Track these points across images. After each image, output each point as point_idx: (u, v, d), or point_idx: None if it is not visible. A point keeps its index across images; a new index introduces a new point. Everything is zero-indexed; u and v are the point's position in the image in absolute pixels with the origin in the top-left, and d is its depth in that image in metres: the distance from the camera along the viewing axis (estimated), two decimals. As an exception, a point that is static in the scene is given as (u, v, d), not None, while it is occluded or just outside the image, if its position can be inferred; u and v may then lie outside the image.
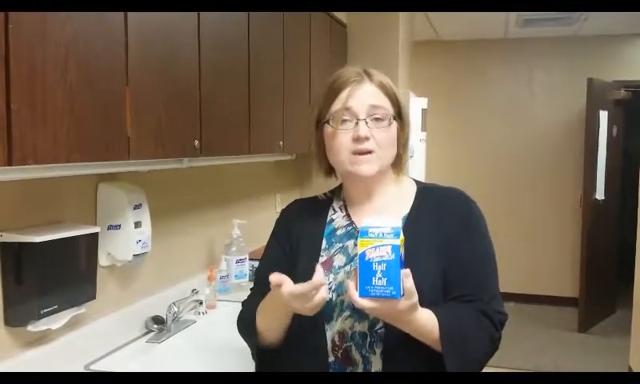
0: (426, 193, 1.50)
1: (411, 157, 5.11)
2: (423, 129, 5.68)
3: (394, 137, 1.44)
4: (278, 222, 1.62)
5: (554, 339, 5.55)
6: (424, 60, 6.24)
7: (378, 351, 1.37)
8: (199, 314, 2.51)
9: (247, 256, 2.99)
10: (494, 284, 1.44)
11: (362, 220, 1.30)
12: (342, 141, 1.40)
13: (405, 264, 1.28)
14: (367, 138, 1.39)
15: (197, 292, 2.55)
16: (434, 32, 6.14)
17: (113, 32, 1.60)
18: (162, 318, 2.33)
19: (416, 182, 1.55)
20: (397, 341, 1.33)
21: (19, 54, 1.27)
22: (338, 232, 1.49)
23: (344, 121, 1.40)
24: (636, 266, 4.43)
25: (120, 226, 2.05)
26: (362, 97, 1.40)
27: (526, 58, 6.54)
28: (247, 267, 2.97)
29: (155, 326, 2.30)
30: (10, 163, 1.27)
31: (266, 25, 2.66)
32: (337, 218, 1.52)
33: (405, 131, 1.48)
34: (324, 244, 1.48)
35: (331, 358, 1.40)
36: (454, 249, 1.40)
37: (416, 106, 5.33)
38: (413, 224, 1.42)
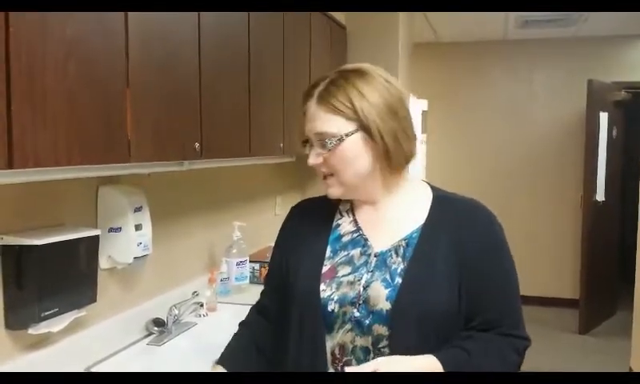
0: (443, 202, 1.41)
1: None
2: (423, 131, 5.67)
3: (347, 157, 1.33)
4: (286, 220, 1.59)
5: (555, 341, 5.54)
6: (424, 62, 6.24)
7: None
8: (200, 316, 2.51)
9: (248, 258, 2.99)
10: (517, 308, 1.38)
11: (369, 227, 1.33)
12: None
13: (419, 278, 1.28)
14: (317, 164, 1.37)
15: (197, 294, 2.55)
16: (433, 34, 6.14)
17: (113, 34, 1.60)
18: (163, 320, 2.33)
19: (431, 187, 1.46)
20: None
21: (19, 56, 1.27)
22: (344, 239, 1.43)
23: (309, 146, 1.39)
24: (637, 268, 4.42)
25: (121, 228, 2.05)
26: (311, 122, 1.36)
27: (526, 60, 6.54)
28: (248, 269, 2.97)
29: (156, 329, 2.30)
30: (10, 166, 1.27)
31: (266, 27, 2.66)
32: (343, 222, 1.46)
33: (376, 138, 1.32)
34: (328, 251, 1.42)
35: (330, 370, 1.36)
36: (475, 269, 1.32)
37: (416, 107, 5.33)
38: (429, 235, 1.36)
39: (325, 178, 1.39)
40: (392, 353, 1.28)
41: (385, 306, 1.30)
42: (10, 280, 1.69)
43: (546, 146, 6.52)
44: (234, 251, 2.91)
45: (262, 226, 3.51)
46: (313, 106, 1.36)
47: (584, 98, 5.76)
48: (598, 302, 5.91)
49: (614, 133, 6.01)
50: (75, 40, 1.44)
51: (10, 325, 1.71)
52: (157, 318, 2.32)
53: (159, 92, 1.83)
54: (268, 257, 3.14)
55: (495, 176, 6.61)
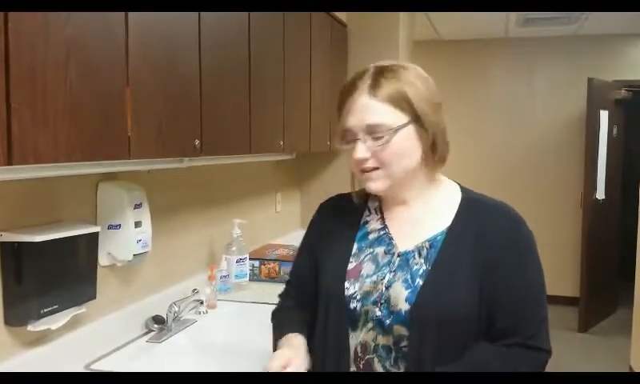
0: (471, 204, 1.39)
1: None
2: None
3: (401, 149, 1.32)
4: (314, 217, 1.59)
5: (555, 339, 5.43)
6: (424, 60, 6.18)
7: (402, 367, 1.31)
8: (200, 313, 2.51)
9: (247, 256, 2.98)
10: (539, 317, 1.34)
11: (396, 226, 1.35)
12: (350, 158, 1.36)
13: (439, 281, 1.28)
14: (366, 159, 1.33)
15: (197, 292, 2.55)
16: (434, 31, 6.14)
17: (113, 31, 1.59)
18: (163, 317, 2.33)
19: (461, 188, 1.45)
20: (420, 360, 1.29)
21: (19, 53, 1.26)
22: (371, 236, 1.43)
23: (348, 141, 1.36)
24: (637, 265, 4.42)
25: (120, 225, 2.04)
26: (359, 114, 1.32)
27: (527, 58, 6.54)
28: (247, 267, 2.97)
29: (156, 326, 2.30)
30: (10, 163, 1.26)
31: (266, 24, 2.65)
32: (371, 220, 1.46)
33: (429, 132, 1.33)
34: (354, 248, 1.42)
35: (352, 369, 1.36)
36: (496, 272, 1.30)
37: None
38: (454, 239, 1.34)
39: (366, 172, 1.35)
40: (410, 353, 1.29)
41: (404, 306, 1.30)
42: (10, 277, 1.68)
43: (547, 143, 6.52)
44: (234, 249, 2.91)
45: (261, 223, 3.51)
46: (363, 97, 1.33)
47: (584, 96, 5.76)
48: (598, 300, 5.92)
49: (615, 131, 6.01)
50: (75, 37, 1.43)
51: (9, 321, 1.70)
52: (156, 315, 2.32)
53: (159, 89, 1.82)
54: (268, 254, 3.16)
55: (495, 173, 6.60)
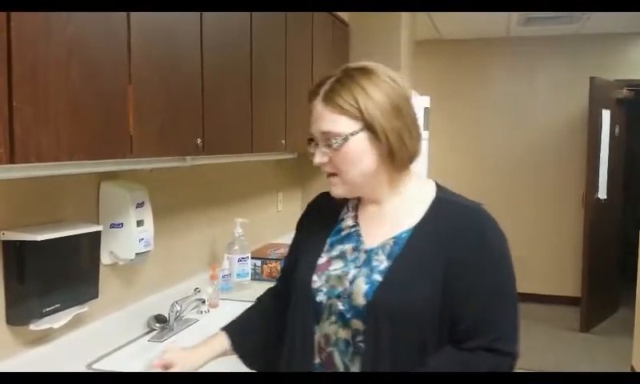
0: (442, 204, 1.39)
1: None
2: (426, 128, 5.66)
3: (353, 156, 1.33)
4: (303, 213, 1.64)
5: (556, 339, 5.54)
6: (426, 59, 6.22)
7: (357, 362, 1.34)
8: (202, 312, 2.51)
9: (249, 255, 2.99)
10: (506, 320, 1.32)
11: (367, 224, 1.39)
12: None
13: (397, 278, 1.30)
14: (323, 164, 1.37)
15: (199, 291, 2.55)
16: (435, 31, 6.14)
17: (115, 30, 1.59)
18: (165, 316, 2.33)
19: (438, 187, 1.44)
20: (375, 356, 1.30)
21: (21, 52, 1.27)
22: (343, 233, 1.46)
23: (314, 146, 1.41)
24: (639, 265, 4.42)
25: (122, 224, 2.05)
26: (316, 121, 1.37)
27: (528, 57, 6.53)
28: (249, 266, 2.97)
29: (158, 325, 2.30)
30: (12, 161, 1.27)
31: (268, 24, 2.65)
32: (347, 217, 1.49)
33: (381, 138, 1.32)
34: (327, 244, 1.46)
35: (317, 360, 1.40)
36: (460, 274, 1.30)
37: (418, 104, 5.32)
38: (418, 238, 1.35)
39: (329, 176, 1.40)
40: (366, 348, 1.32)
41: (362, 301, 1.33)
42: (12, 276, 1.68)
43: (548, 143, 6.52)
44: (236, 248, 2.91)
45: (263, 222, 3.51)
46: (319, 104, 1.36)
47: (586, 95, 5.75)
48: (599, 299, 5.91)
49: (617, 130, 6.00)
50: (77, 36, 1.44)
51: (11, 321, 1.71)
52: (159, 315, 2.32)
53: (162, 87, 1.82)
54: (269, 254, 3.16)
55: (497, 172, 6.60)
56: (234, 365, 1.62)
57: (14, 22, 1.24)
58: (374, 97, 1.32)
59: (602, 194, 5.82)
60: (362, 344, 1.33)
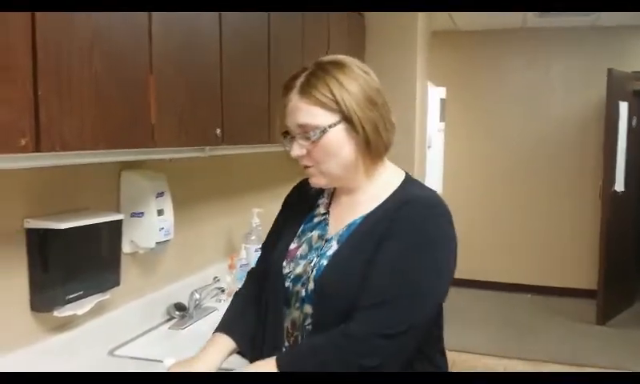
0: (400, 193, 1.40)
1: (429, 147, 5.10)
2: (442, 119, 5.65)
3: (331, 147, 1.35)
4: (287, 195, 1.68)
5: (573, 331, 5.52)
6: (442, 50, 6.20)
7: None
8: (220, 301, 2.53)
9: (266, 245, 3.00)
10: (399, 314, 1.26)
11: (337, 212, 1.44)
12: None
13: (339, 263, 1.34)
14: (301, 156, 1.39)
15: (218, 280, 2.57)
16: (452, 22, 6.11)
17: (137, 21, 1.61)
18: (185, 305, 2.36)
19: (405, 179, 1.45)
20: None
21: (46, 43, 1.28)
22: (315, 220, 1.51)
23: (289, 138, 1.41)
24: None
25: (143, 213, 2.07)
26: (292, 114, 1.38)
27: (545, 48, 6.48)
28: (266, 256, 2.98)
29: (177, 313, 2.33)
30: (38, 149, 1.28)
31: (285, 16, 2.66)
32: (321, 204, 1.53)
33: (358, 129, 1.34)
34: (299, 231, 1.50)
35: (286, 344, 1.44)
36: (381, 251, 1.30)
37: (434, 95, 5.31)
38: (366, 225, 1.38)
39: (306, 167, 1.42)
40: (313, 330, 1.36)
41: (311, 286, 1.38)
42: (35, 263, 1.71)
43: (565, 134, 6.47)
44: (253, 238, 2.92)
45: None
46: (294, 97, 1.38)
47: (603, 87, 5.70)
48: (616, 292, 5.88)
49: (634, 122, 5.95)
50: (100, 27, 1.45)
51: (35, 307, 1.74)
52: (178, 303, 2.35)
53: (182, 78, 1.84)
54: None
55: (513, 164, 6.57)
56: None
57: (38, 13, 1.26)
58: (349, 89, 1.34)
59: (620, 186, 5.78)
60: (309, 327, 1.38)
